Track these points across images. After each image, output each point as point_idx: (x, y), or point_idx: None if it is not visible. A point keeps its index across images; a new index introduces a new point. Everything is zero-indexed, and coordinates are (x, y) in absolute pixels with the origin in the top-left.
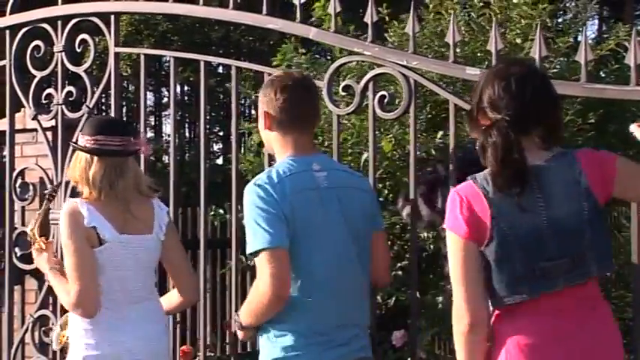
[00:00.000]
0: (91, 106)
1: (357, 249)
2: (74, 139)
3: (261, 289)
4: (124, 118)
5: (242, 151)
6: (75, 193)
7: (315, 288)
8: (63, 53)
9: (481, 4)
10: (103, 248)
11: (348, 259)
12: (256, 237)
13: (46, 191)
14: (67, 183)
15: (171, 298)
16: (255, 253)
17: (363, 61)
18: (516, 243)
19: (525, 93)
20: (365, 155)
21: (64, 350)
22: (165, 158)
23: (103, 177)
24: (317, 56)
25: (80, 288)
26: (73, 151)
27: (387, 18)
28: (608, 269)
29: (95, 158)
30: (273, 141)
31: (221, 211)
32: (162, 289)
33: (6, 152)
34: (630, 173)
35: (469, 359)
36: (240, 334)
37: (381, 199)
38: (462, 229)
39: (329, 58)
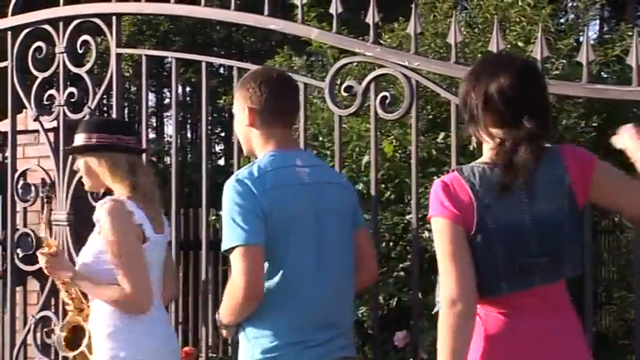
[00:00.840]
0: (92, 107)
1: (339, 247)
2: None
3: (234, 287)
4: (126, 119)
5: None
6: (76, 196)
7: (293, 286)
8: (65, 54)
9: (478, 8)
10: (145, 247)
11: (329, 257)
12: (231, 233)
13: (42, 194)
14: (68, 183)
15: None
16: (230, 250)
17: (363, 62)
18: (499, 237)
19: (533, 87)
20: (366, 158)
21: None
22: (167, 159)
23: (138, 175)
24: (312, 58)
25: (139, 286)
26: (76, 156)
27: (380, 23)
28: (578, 271)
29: (124, 157)
30: (255, 137)
31: (221, 213)
32: None
33: (8, 153)
34: (607, 180)
35: (457, 348)
36: (223, 332)
37: (382, 200)
38: (450, 214)
39: (321, 62)
